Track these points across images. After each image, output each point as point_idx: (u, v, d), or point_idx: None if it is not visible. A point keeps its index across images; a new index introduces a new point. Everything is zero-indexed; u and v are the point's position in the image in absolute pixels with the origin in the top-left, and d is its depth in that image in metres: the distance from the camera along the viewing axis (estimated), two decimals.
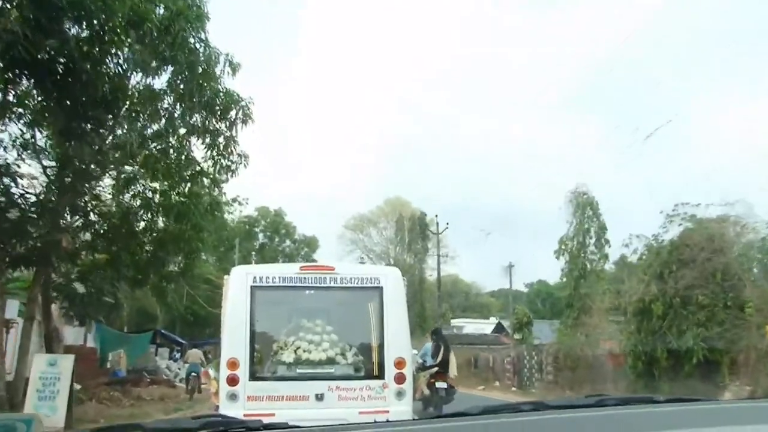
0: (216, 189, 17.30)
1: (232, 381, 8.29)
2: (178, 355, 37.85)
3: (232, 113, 16.61)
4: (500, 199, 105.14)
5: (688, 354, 15.45)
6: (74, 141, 12.19)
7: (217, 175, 16.99)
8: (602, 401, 2.16)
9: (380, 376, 8.63)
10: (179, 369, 32.82)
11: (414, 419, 2.41)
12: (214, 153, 16.86)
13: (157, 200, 16.48)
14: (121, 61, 12.92)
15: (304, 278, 8.92)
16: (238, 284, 8.76)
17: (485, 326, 70.44)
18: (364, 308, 9.19)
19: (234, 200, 50.49)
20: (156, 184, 16.58)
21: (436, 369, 14.91)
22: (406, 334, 8.97)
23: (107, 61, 11.75)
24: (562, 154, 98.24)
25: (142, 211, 16.54)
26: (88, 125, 11.99)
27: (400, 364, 8.63)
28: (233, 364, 8.33)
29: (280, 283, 8.85)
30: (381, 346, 8.75)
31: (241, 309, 8.57)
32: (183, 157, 16.40)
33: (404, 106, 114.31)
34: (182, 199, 16.41)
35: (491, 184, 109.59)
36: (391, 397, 8.54)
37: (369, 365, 8.82)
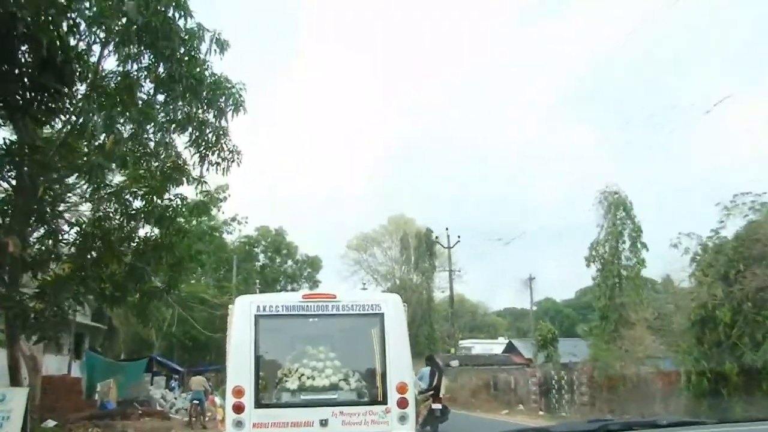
0: (200, 186, 14.76)
1: (238, 408, 8.37)
2: (175, 384, 35.25)
3: (221, 101, 14.38)
4: (505, 217, 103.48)
5: (767, 369, 12.99)
6: (20, 114, 9.84)
7: (204, 172, 14.61)
8: (606, 426, 2.09)
9: (383, 401, 8.68)
10: (175, 399, 30.34)
11: None
12: (201, 148, 14.59)
13: (136, 204, 14.11)
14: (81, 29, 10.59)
15: (307, 306, 9.05)
16: (242, 313, 8.90)
17: (494, 346, 68.24)
18: (366, 334, 9.24)
19: (233, 219, 48.32)
20: (135, 186, 14.22)
21: (431, 392, 16.03)
22: (408, 358, 8.99)
23: (57, 19, 9.40)
24: (570, 160, 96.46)
25: (119, 217, 14.13)
26: (37, 97, 9.66)
27: (402, 388, 8.67)
28: (239, 392, 8.43)
29: (284, 311, 9.02)
30: (383, 371, 8.81)
31: (246, 337, 8.68)
32: (163, 151, 14.07)
33: (406, 124, 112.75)
34: (164, 201, 14.05)
35: (496, 202, 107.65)
36: (394, 422, 8.60)
37: (372, 390, 8.89)
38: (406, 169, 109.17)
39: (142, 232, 14.78)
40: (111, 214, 13.90)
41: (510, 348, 63.13)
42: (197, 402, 23.71)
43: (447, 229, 39.37)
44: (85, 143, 12.87)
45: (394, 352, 8.81)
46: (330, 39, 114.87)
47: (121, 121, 12.70)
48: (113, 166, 13.43)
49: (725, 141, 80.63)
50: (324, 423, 8.46)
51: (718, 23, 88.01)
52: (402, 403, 8.64)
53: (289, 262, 56.94)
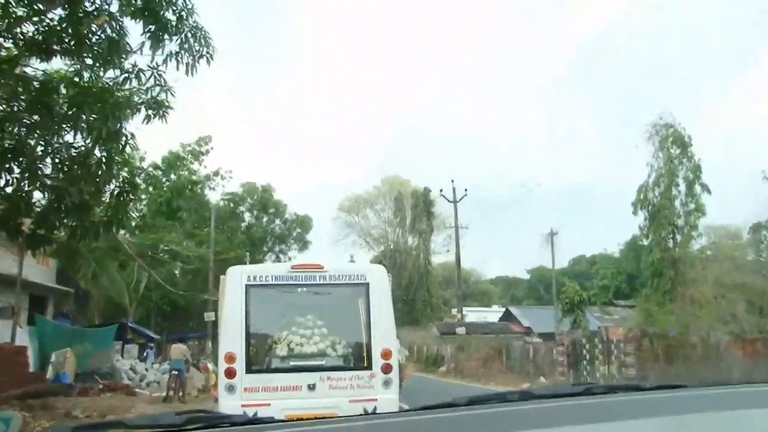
0: (151, 89, 10.52)
1: (230, 374, 8.71)
2: (149, 353, 31.37)
3: None
4: (498, 183, 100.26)
5: None
6: None
7: (159, 63, 10.42)
8: (590, 389, 2.11)
9: (368, 366, 9.00)
10: (146, 370, 26.48)
11: (401, 411, 2.45)
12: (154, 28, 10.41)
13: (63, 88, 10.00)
14: None
15: (295, 276, 9.39)
16: (234, 283, 9.17)
17: (488, 314, 65.66)
18: (352, 303, 9.43)
19: (216, 174, 44.23)
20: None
21: None
22: (392, 326, 9.36)
23: None
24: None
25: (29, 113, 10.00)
26: None
27: (386, 355, 9.01)
28: (231, 358, 8.75)
29: (273, 281, 9.32)
30: (368, 339, 9.12)
31: (237, 306, 9.00)
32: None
33: (401, 82, 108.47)
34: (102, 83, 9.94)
35: (493, 166, 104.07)
36: (379, 386, 8.92)
37: (357, 357, 9.18)
38: (402, 130, 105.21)
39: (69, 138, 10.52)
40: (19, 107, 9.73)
41: (507, 316, 60.66)
42: (176, 373, 20.19)
43: (453, 181, 35.53)
44: None
45: (379, 320, 9.15)
46: None
47: None
48: None
49: None
50: (312, 387, 8.80)
51: None
52: (386, 369, 8.98)
53: (277, 222, 52.77)
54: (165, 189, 41.65)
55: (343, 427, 1.74)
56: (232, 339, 8.87)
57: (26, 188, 10.39)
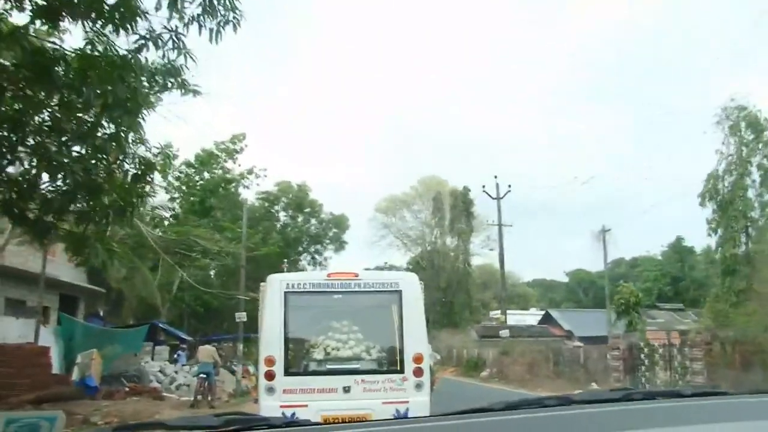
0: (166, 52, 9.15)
1: (270, 376, 9.09)
2: (181, 355, 30.34)
3: None
4: (533, 186, 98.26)
5: None
6: None
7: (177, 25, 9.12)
8: (629, 395, 2.06)
9: (400, 370, 9.27)
10: (176, 373, 25.40)
11: (435, 415, 2.06)
12: None
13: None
14: None
15: (331, 284, 9.71)
16: (273, 290, 9.50)
17: (527, 317, 63.89)
18: (386, 309, 9.75)
19: (250, 172, 43.17)
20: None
21: None
22: (424, 332, 9.68)
23: None
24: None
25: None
26: None
27: (418, 359, 9.28)
28: (270, 361, 9.14)
29: (310, 288, 9.73)
30: (401, 343, 9.40)
31: (277, 312, 9.34)
32: None
33: (438, 82, 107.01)
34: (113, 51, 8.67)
35: (531, 165, 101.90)
36: (411, 389, 9.19)
37: (390, 360, 9.47)
38: (437, 129, 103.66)
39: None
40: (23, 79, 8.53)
41: (546, 319, 59.14)
42: (204, 376, 19.05)
43: (495, 177, 33.87)
44: None
45: (411, 325, 9.36)
46: None
47: None
48: None
49: None
50: (347, 389, 9.10)
51: None
52: (418, 372, 9.24)
53: (313, 221, 51.53)
54: (198, 188, 40.76)
55: (376, 431, 1.72)
56: (271, 343, 9.28)
57: (30, 167, 9.23)
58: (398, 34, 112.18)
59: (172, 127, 42.64)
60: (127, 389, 20.06)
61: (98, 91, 8.13)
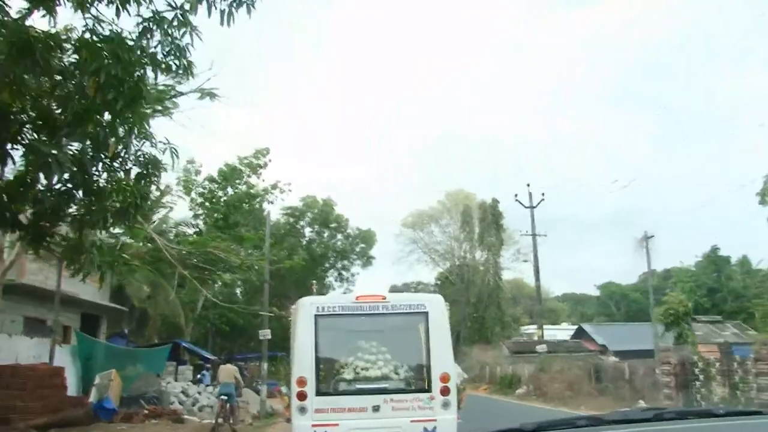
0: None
1: (302, 396, 9.29)
2: (205, 375, 29.28)
3: None
4: (562, 198, 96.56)
5: None
6: None
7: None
8: (660, 415, 2.08)
9: (428, 389, 9.52)
10: (199, 394, 24.32)
11: None
12: None
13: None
14: None
15: (360, 306, 9.95)
16: (304, 313, 9.76)
17: (557, 332, 62.15)
18: (413, 330, 9.96)
19: (274, 187, 42.23)
20: None
21: None
22: (450, 351, 9.92)
23: None
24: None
25: None
26: None
27: (444, 378, 9.52)
28: (302, 382, 9.33)
29: (340, 311, 9.91)
30: (428, 363, 9.66)
31: (308, 334, 9.58)
32: None
33: (464, 98, 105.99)
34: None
35: (557, 180, 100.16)
36: (438, 408, 9.39)
37: (418, 380, 9.73)
38: (465, 143, 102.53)
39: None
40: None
41: (579, 333, 57.45)
42: (225, 398, 17.90)
43: (528, 185, 32.43)
44: None
45: (437, 345, 9.68)
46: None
47: None
48: None
49: None
50: (376, 409, 9.32)
51: None
52: (445, 391, 9.47)
53: (339, 237, 50.41)
54: (221, 204, 39.91)
55: None
56: (303, 364, 9.44)
57: (22, 166, 8.22)
58: (426, 47, 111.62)
59: (192, 138, 41.50)
60: (146, 412, 18.99)
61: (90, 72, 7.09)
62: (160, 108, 15.13)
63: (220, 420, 17.58)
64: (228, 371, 18.96)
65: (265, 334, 24.68)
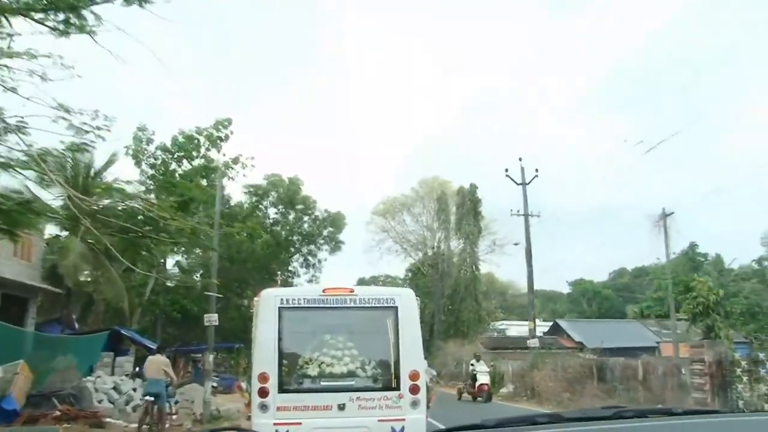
0: None
1: (263, 393, 8.92)
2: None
3: None
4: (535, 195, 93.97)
5: None
6: None
7: None
8: (620, 413, 2.10)
9: (396, 387, 9.19)
10: (134, 390, 20.28)
11: None
12: None
13: None
14: None
15: (326, 300, 9.57)
16: (267, 306, 9.41)
17: (528, 329, 59.29)
18: (381, 326, 9.61)
19: (235, 161, 38.09)
20: None
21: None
22: (420, 348, 9.61)
23: None
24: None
25: None
26: None
27: (414, 376, 9.24)
28: (264, 378, 8.96)
29: (305, 304, 9.56)
30: (397, 360, 9.35)
31: (271, 328, 9.24)
32: None
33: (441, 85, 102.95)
34: None
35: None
36: (407, 407, 9.09)
37: (386, 377, 9.35)
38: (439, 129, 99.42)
39: None
40: None
41: (555, 330, 55.41)
42: (152, 399, 14.37)
43: (520, 159, 28.86)
44: None
45: (407, 342, 9.37)
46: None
47: None
48: None
49: None
50: (342, 407, 8.93)
51: None
52: (414, 390, 9.16)
53: (306, 219, 46.31)
54: (176, 177, 35.66)
55: None
56: (265, 359, 9.08)
57: None
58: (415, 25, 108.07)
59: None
60: (57, 413, 15.02)
61: None
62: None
63: (144, 427, 13.70)
64: (156, 364, 15.14)
65: (212, 318, 20.55)
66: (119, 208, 15.82)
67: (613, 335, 42.28)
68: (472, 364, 27.61)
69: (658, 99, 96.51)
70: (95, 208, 15.10)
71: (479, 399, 26.02)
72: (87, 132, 11.76)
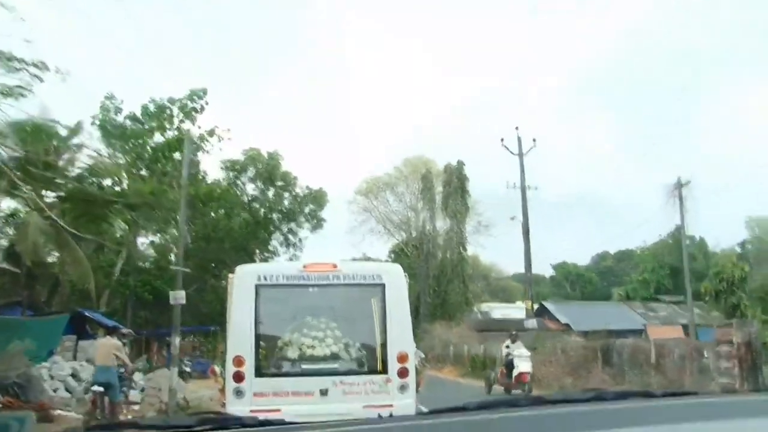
0: None
1: (238, 377, 8.47)
2: None
3: None
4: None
5: None
6: None
7: None
8: (600, 395, 2.12)
9: (383, 371, 8.80)
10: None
11: (413, 414, 2.41)
12: None
13: None
14: None
15: (308, 276, 9.12)
16: (243, 283, 8.94)
17: (512, 311, 58.64)
18: (367, 305, 9.26)
19: (211, 133, 35.86)
20: None
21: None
22: (409, 329, 9.19)
23: None
24: None
25: None
26: None
27: (402, 358, 8.83)
28: (239, 361, 8.52)
29: (284, 281, 9.07)
30: (384, 342, 8.93)
31: (247, 307, 8.75)
32: None
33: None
34: None
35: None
36: (395, 392, 8.70)
37: (372, 360, 8.97)
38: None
39: None
40: None
41: (541, 311, 54.14)
42: (101, 389, 12.13)
43: (517, 128, 27.09)
44: None
45: (395, 322, 8.91)
46: None
47: None
48: None
49: None
50: (324, 393, 8.54)
51: None
52: (402, 373, 8.77)
53: (286, 196, 44.24)
54: (147, 149, 33.43)
55: (353, 430, 1.69)
56: (240, 341, 8.69)
57: None
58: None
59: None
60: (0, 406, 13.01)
61: None
62: None
63: (90, 422, 11.67)
64: (107, 348, 13.11)
65: (178, 296, 18.40)
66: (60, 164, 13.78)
67: (600, 317, 41.50)
68: (507, 346, 21.39)
69: (646, 99, 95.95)
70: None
71: (516, 392, 19.92)
72: (18, 69, 9.79)
